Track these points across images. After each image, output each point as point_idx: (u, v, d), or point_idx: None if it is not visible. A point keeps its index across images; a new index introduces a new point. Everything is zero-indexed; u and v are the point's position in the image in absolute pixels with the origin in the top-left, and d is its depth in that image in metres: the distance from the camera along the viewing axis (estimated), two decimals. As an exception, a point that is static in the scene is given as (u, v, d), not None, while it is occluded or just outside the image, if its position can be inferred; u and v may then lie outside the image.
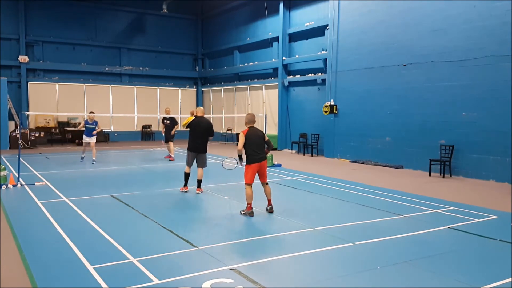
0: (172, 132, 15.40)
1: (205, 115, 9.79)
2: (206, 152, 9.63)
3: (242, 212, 7.76)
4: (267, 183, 7.98)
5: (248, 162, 7.69)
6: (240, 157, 7.93)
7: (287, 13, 20.20)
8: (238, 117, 24.08)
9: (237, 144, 9.75)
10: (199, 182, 9.66)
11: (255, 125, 8.01)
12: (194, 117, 9.69)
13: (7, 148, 18.77)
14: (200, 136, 9.46)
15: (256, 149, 7.67)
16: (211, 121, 10.69)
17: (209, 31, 27.56)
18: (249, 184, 7.69)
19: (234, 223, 7.25)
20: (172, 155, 15.78)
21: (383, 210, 8.22)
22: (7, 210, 7.87)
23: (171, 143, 15.68)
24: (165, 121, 15.68)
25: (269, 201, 7.96)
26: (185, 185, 9.83)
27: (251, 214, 7.64)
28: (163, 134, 15.83)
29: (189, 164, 9.64)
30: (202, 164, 9.62)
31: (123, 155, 18.07)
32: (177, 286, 4.56)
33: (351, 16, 16.21)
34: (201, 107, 10.10)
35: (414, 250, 5.93)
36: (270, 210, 7.91)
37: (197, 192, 9.63)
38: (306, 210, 8.32)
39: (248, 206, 7.70)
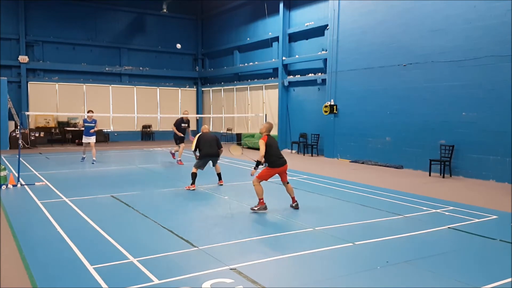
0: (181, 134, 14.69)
1: (206, 122, 10.22)
2: (219, 156, 10.48)
3: (256, 208, 7.74)
4: (288, 182, 8.11)
5: (270, 166, 7.80)
6: (258, 164, 7.78)
7: (287, 13, 20.19)
8: (238, 117, 24.09)
9: (244, 145, 9.76)
10: (219, 175, 10.66)
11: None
12: (200, 134, 10.39)
13: (7, 148, 18.77)
14: (210, 145, 10.16)
15: (278, 154, 7.84)
16: (210, 120, 11.06)
17: (209, 31, 27.56)
18: (261, 180, 7.77)
19: (234, 223, 7.24)
20: (180, 158, 14.98)
21: (383, 210, 8.22)
22: (7, 210, 7.87)
23: (182, 146, 14.85)
24: (182, 124, 14.83)
25: (293, 198, 8.14)
26: (193, 183, 10.08)
27: (265, 208, 7.69)
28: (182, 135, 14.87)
29: (200, 167, 10.22)
30: (216, 163, 10.57)
31: (123, 155, 18.06)
32: (177, 286, 4.56)
33: (351, 16, 16.21)
34: (206, 126, 10.99)
35: (414, 250, 5.93)
36: (295, 207, 8.05)
37: (220, 184, 10.56)
38: (306, 210, 8.30)
39: (261, 201, 7.74)
